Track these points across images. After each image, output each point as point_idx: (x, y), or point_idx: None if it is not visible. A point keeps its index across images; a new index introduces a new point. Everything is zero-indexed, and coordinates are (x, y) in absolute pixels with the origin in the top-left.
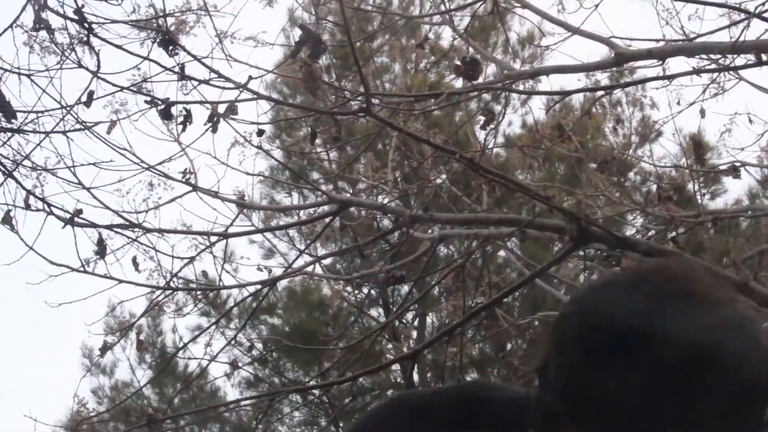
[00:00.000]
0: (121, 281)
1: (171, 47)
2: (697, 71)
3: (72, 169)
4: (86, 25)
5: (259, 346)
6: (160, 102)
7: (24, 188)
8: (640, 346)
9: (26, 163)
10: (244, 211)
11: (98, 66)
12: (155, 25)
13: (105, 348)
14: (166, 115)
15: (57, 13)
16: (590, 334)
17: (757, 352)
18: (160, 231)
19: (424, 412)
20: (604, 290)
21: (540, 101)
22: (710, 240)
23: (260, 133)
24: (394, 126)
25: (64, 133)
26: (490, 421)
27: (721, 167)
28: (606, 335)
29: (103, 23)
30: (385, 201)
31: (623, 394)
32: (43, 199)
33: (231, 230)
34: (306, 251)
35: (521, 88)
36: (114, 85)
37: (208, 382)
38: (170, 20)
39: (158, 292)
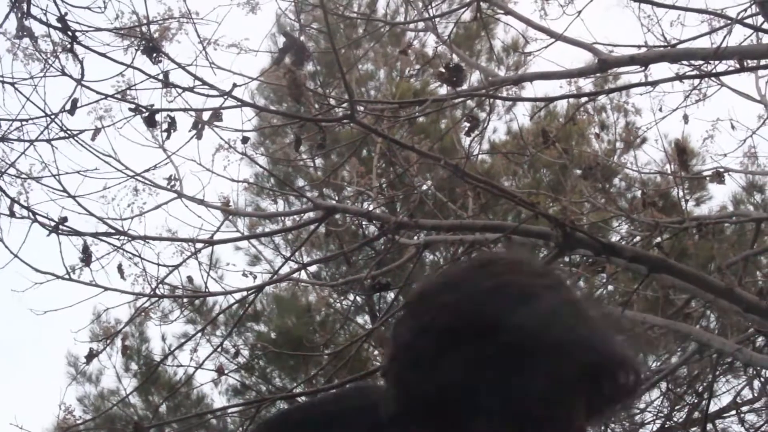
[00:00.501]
0: (106, 289)
1: (155, 55)
2: (679, 77)
3: (57, 177)
4: (70, 32)
5: (246, 353)
6: (144, 109)
7: (8, 196)
8: (464, 343)
9: (11, 170)
10: (230, 217)
11: (82, 74)
12: (139, 32)
13: (91, 356)
14: (150, 123)
15: (40, 20)
16: (417, 335)
17: (578, 334)
18: (146, 238)
19: None
20: (431, 292)
21: (524, 108)
22: (695, 246)
23: (245, 140)
24: (379, 133)
25: (48, 141)
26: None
27: (706, 173)
28: (431, 336)
29: (87, 31)
30: (371, 207)
31: (449, 390)
32: (27, 207)
33: (216, 237)
34: (292, 258)
35: (505, 94)
36: (98, 92)
37: (194, 389)
38: (153, 28)
39: (144, 300)
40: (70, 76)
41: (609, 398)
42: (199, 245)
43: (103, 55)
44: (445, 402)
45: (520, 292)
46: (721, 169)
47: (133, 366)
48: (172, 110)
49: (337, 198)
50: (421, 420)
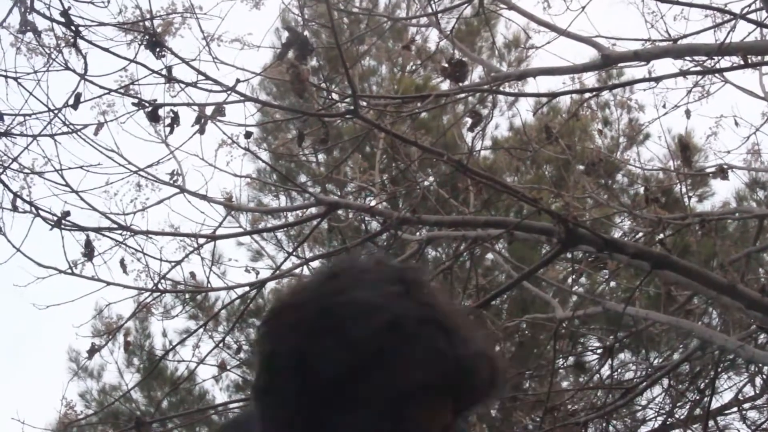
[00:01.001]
0: (108, 283)
1: (158, 50)
2: (683, 73)
3: (60, 171)
4: (73, 27)
5: (248, 348)
6: (147, 104)
7: (11, 191)
8: (306, 368)
9: (14, 165)
10: (232, 213)
11: (85, 68)
12: (142, 27)
13: (92, 350)
14: (153, 117)
15: (43, 15)
16: (268, 361)
17: (422, 343)
18: (148, 233)
19: None
20: (278, 313)
21: (527, 103)
22: (698, 242)
23: (248, 135)
24: (382, 128)
25: (51, 136)
26: None
27: (709, 169)
28: (278, 362)
29: (90, 26)
30: (373, 203)
31: (297, 416)
32: (30, 202)
33: (219, 232)
34: (294, 253)
35: (508, 90)
36: (101, 87)
37: (196, 385)
38: (157, 22)
39: (146, 294)
40: (74, 71)
41: (469, 398)
42: (201, 240)
43: (107, 49)
44: (294, 427)
45: (360, 308)
46: (725, 166)
47: (136, 361)
48: (175, 105)
49: (339, 193)
50: None
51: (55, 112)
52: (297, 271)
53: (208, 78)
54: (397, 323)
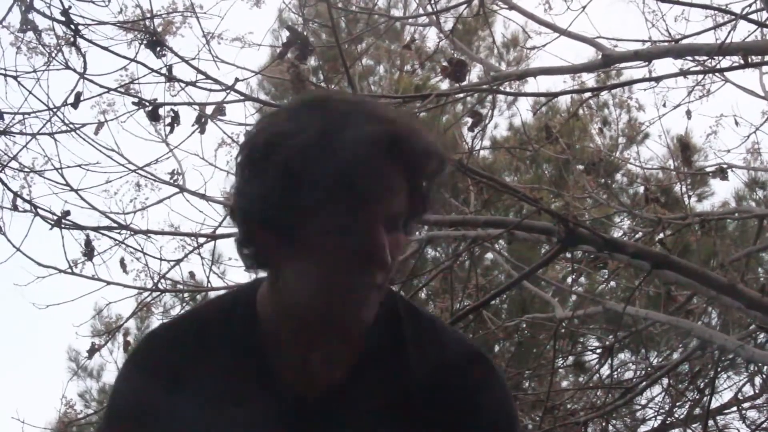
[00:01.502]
0: (108, 283)
1: (158, 48)
2: (683, 73)
3: (59, 170)
4: (73, 26)
5: None
6: (147, 103)
7: (11, 190)
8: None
9: (13, 164)
10: None
11: (85, 67)
12: (142, 26)
13: (92, 350)
14: (153, 117)
15: (43, 14)
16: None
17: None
18: (148, 232)
19: (173, 338)
20: (251, 130)
21: (527, 103)
22: (697, 242)
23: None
24: None
25: (51, 134)
26: (224, 319)
27: (708, 169)
28: (246, 151)
29: (90, 24)
30: None
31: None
32: (30, 201)
33: (219, 231)
34: None
35: (508, 89)
36: (101, 86)
37: None
38: (157, 21)
39: (146, 294)
40: (74, 70)
41: (418, 171)
42: (201, 240)
43: (107, 48)
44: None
45: (320, 99)
46: (724, 165)
47: None
48: (175, 104)
49: None
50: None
51: (55, 110)
52: None
53: (208, 77)
54: (350, 110)
